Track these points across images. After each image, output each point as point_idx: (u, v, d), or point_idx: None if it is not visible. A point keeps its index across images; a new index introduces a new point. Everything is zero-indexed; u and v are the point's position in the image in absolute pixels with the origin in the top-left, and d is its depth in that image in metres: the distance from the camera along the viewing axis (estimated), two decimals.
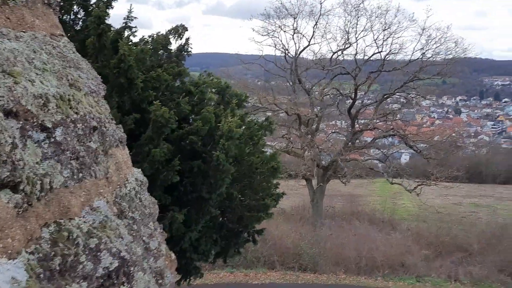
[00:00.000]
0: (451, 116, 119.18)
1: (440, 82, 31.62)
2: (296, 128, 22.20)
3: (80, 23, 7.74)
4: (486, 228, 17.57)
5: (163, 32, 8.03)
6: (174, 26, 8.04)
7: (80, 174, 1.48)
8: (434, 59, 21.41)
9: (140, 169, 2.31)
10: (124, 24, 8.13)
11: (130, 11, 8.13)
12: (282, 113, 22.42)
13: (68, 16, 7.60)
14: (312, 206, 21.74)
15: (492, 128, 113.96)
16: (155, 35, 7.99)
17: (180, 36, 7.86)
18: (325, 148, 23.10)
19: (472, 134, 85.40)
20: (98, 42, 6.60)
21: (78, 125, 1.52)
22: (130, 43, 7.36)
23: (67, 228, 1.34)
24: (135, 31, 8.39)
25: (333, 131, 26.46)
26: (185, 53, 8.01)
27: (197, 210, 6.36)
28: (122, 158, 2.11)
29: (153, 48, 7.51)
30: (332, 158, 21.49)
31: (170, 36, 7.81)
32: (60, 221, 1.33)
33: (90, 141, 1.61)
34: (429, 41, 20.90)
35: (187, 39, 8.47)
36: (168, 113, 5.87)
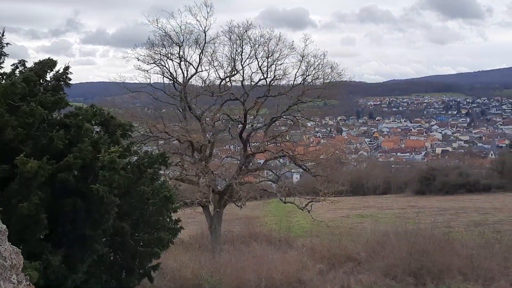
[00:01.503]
0: (334, 134, 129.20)
1: (321, 104, 34.09)
2: (189, 155, 22.02)
3: None
4: (371, 236, 19.04)
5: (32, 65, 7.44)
6: (41, 60, 7.49)
7: None
8: (314, 83, 23.01)
9: None
10: None
11: (2, 35, 7.43)
12: (174, 140, 22.10)
13: None
14: (211, 232, 21.56)
15: (369, 144, 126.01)
16: (27, 64, 7.38)
17: (50, 69, 7.34)
18: (220, 173, 23.21)
19: (353, 150, 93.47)
20: None
21: None
22: None
23: None
24: (2, 62, 7.68)
25: (226, 155, 26.77)
26: (63, 83, 7.47)
27: (80, 249, 5.86)
28: None
29: (25, 77, 6.89)
30: (227, 183, 21.67)
31: (39, 70, 7.27)
32: None
33: None
34: (309, 67, 22.44)
35: (66, 68, 7.92)
36: (38, 162, 5.37)
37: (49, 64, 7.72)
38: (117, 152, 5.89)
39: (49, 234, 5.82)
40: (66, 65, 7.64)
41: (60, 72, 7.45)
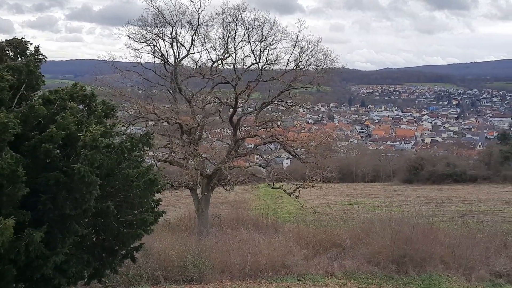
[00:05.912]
0: (325, 121, 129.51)
1: (314, 91, 34.01)
2: (178, 138, 21.90)
3: None
4: (357, 223, 19.22)
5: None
6: (11, 38, 7.25)
7: None
8: (307, 69, 22.86)
9: None
10: None
11: None
12: (163, 122, 21.94)
13: None
14: (198, 215, 21.59)
15: (360, 131, 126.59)
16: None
17: (21, 52, 7.12)
18: (209, 157, 23.17)
19: (344, 138, 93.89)
20: None
21: None
22: None
23: None
24: None
25: (216, 139, 26.69)
26: (38, 61, 7.21)
27: (61, 229, 5.79)
28: None
29: None
30: (216, 166, 21.63)
31: (8, 49, 7.06)
32: None
33: None
34: (302, 53, 22.27)
35: (36, 49, 7.53)
36: (7, 117, 5.22)
37: (22, 45, 7.39)
38: (99, 130, 5.79)
39: (29, 212, 5.73)
40: (36, 46, 7.32)
41: (30, 55, 7.14)
